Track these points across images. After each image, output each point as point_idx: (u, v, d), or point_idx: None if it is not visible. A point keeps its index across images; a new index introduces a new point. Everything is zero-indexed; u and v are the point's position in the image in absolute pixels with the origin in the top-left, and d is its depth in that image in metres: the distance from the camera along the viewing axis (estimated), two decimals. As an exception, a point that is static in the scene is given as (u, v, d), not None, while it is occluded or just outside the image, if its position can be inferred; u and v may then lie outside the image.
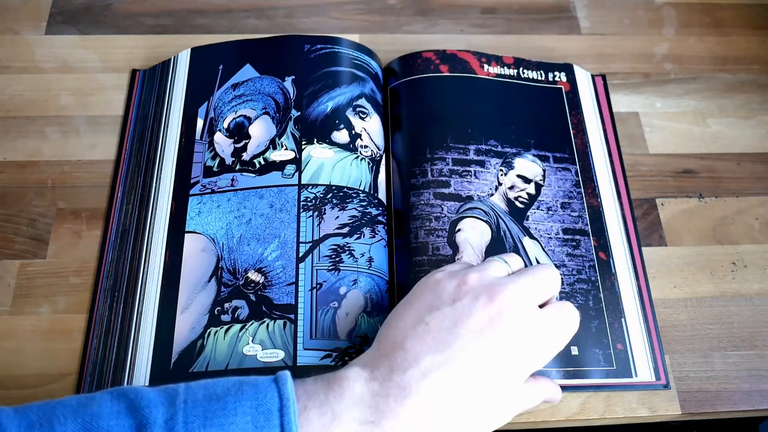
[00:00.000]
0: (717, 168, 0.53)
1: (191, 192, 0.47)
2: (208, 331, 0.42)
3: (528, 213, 0.48)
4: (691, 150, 0.54)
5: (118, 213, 0.48)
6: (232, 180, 0.47)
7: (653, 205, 0.51)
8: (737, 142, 0.55)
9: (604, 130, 0.54)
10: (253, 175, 0.47)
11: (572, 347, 0.43)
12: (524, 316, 0.35)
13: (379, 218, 0.47)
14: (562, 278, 0.41)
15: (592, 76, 0.56)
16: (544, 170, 0.50)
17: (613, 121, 0.54)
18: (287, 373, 0.32)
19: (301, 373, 0.36)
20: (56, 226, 0.48)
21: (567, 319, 0.37)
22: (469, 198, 0.48)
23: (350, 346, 0.41)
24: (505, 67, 0.54)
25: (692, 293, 0.48)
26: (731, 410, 0.44)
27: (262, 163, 0.48)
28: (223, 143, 0.49)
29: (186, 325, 0.42)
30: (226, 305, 0.43)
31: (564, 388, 0.43)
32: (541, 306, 0.37)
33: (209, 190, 0.47)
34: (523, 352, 0.34)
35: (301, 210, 0.46)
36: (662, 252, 0.49)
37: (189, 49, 0.54)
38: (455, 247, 0.46)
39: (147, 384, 0.41)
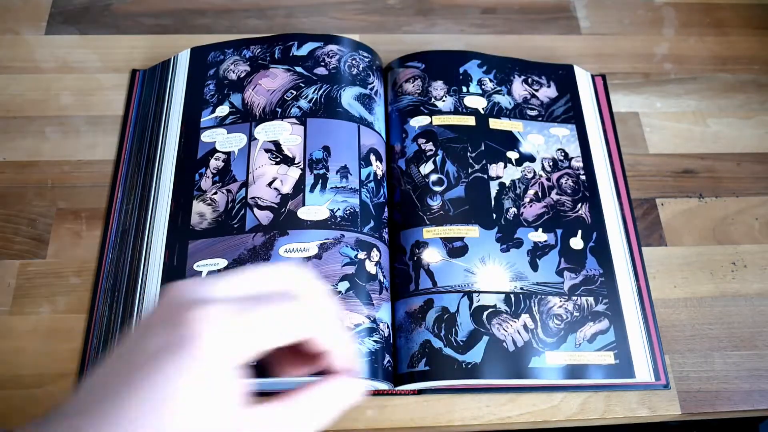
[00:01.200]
0: (717, 168, 0.53)
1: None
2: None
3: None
4: (691, 150, 0.54)
5: (118, 213, 0.48)
6: None
7: (653, 205, 0.51)
8: (737, 142, 0.55)
9: (604, 130, 0.54)
10: None
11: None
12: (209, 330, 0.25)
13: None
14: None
15: (592, 76, 0.56)
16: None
17: (613, 121, 0.54)
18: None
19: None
20: (56, 226, 0.48)
21: (279, 310, 0.27)
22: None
23: None
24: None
25: (692, 293, 0.48)
26: (731, 410, 0.44)
27: None
28: None
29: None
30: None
31: (564, 388, 0.43)
32: None
33: None
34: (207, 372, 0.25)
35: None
36: (662, 252, 0.49)
37: (189, 49, 0.54)
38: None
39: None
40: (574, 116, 0.53)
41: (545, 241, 0.47)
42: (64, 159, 0.51)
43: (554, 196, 0.49)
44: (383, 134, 0.51)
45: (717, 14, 0.62)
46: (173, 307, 0.27)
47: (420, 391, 0.44)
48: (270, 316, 0.26)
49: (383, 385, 0.42)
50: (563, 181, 0.49)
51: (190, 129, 0.50)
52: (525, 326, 0.44)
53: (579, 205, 0.49)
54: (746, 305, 0.47)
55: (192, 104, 0.51)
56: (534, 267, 0.46)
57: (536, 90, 0.54)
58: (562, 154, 0.51)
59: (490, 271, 0.45)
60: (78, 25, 0.58)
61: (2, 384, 0.42)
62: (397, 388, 0.43)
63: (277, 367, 0.30)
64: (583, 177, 0.50)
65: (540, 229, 0.47)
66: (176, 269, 0.44)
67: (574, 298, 0.45)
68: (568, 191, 0.49)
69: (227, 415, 0.26)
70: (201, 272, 0.44)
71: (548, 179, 0.50)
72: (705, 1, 0.63)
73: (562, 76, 0.55)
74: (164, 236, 0.46)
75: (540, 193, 0.49)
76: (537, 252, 0.47)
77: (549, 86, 0.54)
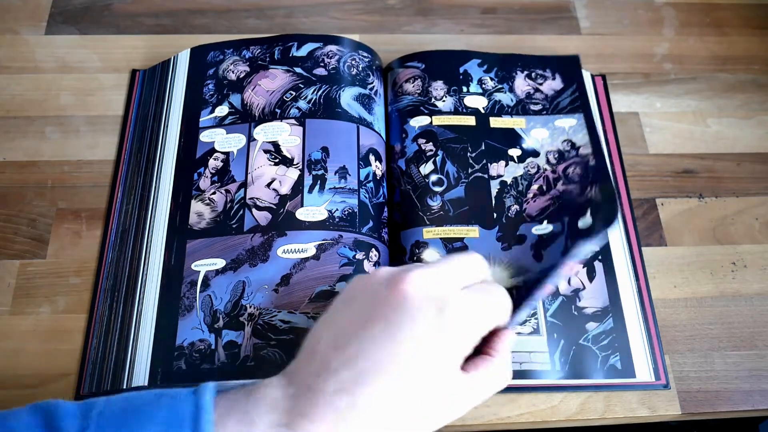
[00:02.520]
0: (717, 168, 0.53)
1: None
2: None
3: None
4: (691, 150, 0.54)
5: (118, 213, 0.48)
6: None
7: (653, 205, 0.51)
8: (737, 142, 0.55)
9: (604, 130, 0.54)
10: None
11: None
12: (435, 298, 0.31)
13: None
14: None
15: (592, 76, 0.56)
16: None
17: (613, 121, 0.54)
18: (210, 384, 0.31)
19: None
20: (56, 226, 0.48)
21: (490, 298, 0.34)
22: None
23: None
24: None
25: (692, 293, 0.48)
26: (731, 410, 0.44)
27: None
28: None
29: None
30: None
31: (564, 388, 0.43)
32: None
33: None
34: (440, 337, 0.31)
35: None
36: (662, 252, 0.49)
37: (189, 49, 0.54)
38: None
39: (146, 384, 0.41)
40: (581, 105, 0.52)
41: (551, 232, 0.47)
42: (64, 159, 0.51)
43: (560, 187, 0.48)
44: (383, 134, 0.51)
45: (717, 14, 0.62)
46: (386, 277, 0.33)
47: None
48: (482, 306, 0.33)
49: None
50: (570, 170, 0.49)
51: (190, 129, 0.50)
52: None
53: (589, 189, 0.48)
54: (746, 305, 0.47)
55: (192, 104, 0.51)
56: (538, 258, 0.46)
57: (540, 84, 0.53)
58: (569, 144, 0.50)
59: (491, 271, 0.45)
60: (78, 25, 0.58)
61: (2, 384, 0.42)
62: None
63: None
64: (592, 163, 0.48)
65: (545, 221, 0.47)
66: (174, 269, 0.45)
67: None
68: (576, 179, 0.48)
69: (451, 376, 0.32)
70: (199, 272, 0.44)
71: (554, 171, 0.49)
72: (705, 1, 0.63)
73: (568, 67, 0.54)
74: (164, 236, 0.46)
75: (545, 187, 0.49)
76: (542, 244, 0.46)
77: (554, 78, 0.54)
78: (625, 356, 0.43)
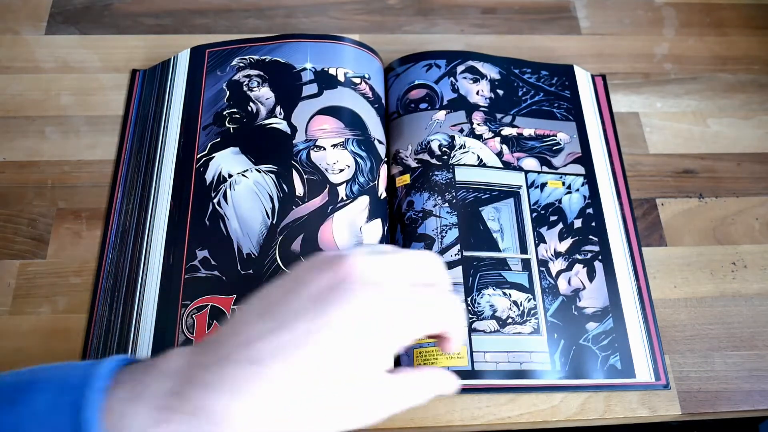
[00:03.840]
0: (717, 168, 0.53)
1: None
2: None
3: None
4: (691, 150, 0.54)
5: (118, 213, 0.48)
6: None
7: (653, 205, 0.51)
8: (737, 142, 0.55)
9: (604, 130, 0.54)
10: None
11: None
12: (375, 289, 0.29)
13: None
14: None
15: (592, 76, 0.56)
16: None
17: (613, 121, 0.54)
18: (119, 356, 0.29)
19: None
20: (56, 226, 0.48)
21: (439, 300, 0.31)
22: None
23: None
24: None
25: (692, 293, 0.48)
26: (731, 410, 0.44)
27: None
28: None
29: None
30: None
31: (564, 388, 0.43)
32: None
33: None
34: (372, 324, 0.28)
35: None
36: (662, 252, 0.49)
37: (189, 49, 0.54)
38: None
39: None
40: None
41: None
42: (64, 159, 0.51)
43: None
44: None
45: (717, 14, 0.62)
46: (329, 257, 0.30)
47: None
48: (423, 306, 0.30)
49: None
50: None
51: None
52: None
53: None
54: (746, 305, 0.47)
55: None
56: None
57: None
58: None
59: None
60: (78, 25, 0.58)
61: (2, 384, 0.42)
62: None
63: None
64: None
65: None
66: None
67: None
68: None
69: (374, 372, 0.29)
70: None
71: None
72: (705, 1, 0.63)
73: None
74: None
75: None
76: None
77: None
78: (625, 356, 0.43)
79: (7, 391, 0.27)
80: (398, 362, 0.44)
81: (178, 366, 0.28)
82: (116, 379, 0.27)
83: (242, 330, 0.28)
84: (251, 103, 0.50)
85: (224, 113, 0.50)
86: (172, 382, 0.27)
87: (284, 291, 0.30)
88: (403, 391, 0.30)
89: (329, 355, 0.28)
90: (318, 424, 0.28)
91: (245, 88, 0.51)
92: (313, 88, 0.50)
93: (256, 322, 0.28)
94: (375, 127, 0.50)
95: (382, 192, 0.48)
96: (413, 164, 0.49)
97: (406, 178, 0.48)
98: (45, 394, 0.27)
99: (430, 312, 0.31)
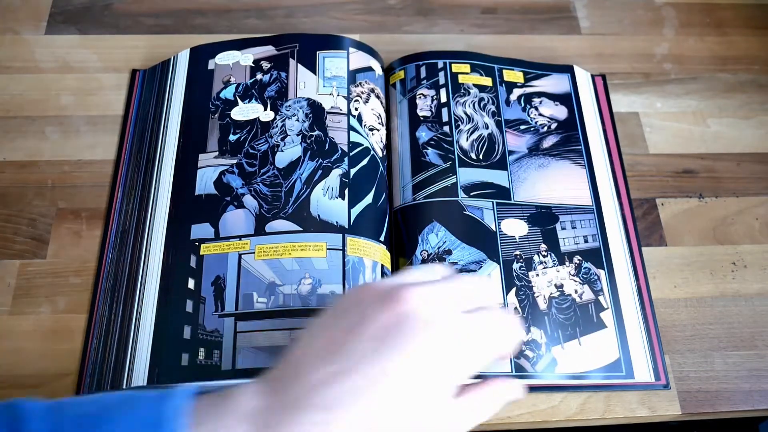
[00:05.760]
0: (717, 168, 0.53)
1: None
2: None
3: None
4: (691, 150, 0.54)
5: (118, 213, 0.48)
6: None
7: (653, 205, 0.51)
8: (737, 142, 0.55)
9: (604, 130, 0.54)
10: None
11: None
12: (436, 321, 0.30)
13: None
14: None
15: (592, 76, 0.56)
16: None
17: (613, 121, 0.54)
18: (187, 388, 0.30)
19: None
20: (56, 226, 0.48)
21: (494, 325, 0.32)
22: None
23: None
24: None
25: (692, 293, 0.48)
26: (731, 410, 0.44)
27: None
28: None
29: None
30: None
31: (564, 388, 0.43)
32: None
33: None
34: (437, 361, 0.30)
35: None
36: (662, 252, 0.49)
37: (189, 49, 0.54)
38: None
39: (145, 384, 0.41)
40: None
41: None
42: (64, 159, 0.51)
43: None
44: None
45: (717, 14, 0.62)
46: (383, 291, 0.31)
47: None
48: (480, 337, 0.32)
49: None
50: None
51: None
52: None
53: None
54: (746, 305, 0.47)
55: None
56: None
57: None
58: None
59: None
60: (78, 25, 0.58)
61: (2, 384, 0.42)
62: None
63: None
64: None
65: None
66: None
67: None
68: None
69: (442, 402, 0.30)
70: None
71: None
72: (705, 1, 0.63)
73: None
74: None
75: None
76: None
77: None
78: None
79: (82, 422, 0.28)
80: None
81: (254, 409, 0.29)
82: (197, 421, 0.29)
83: (306, 371, 0.30)
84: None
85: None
86: (249, 426, 0.28)
87: (343, 330, 0.30)
88: (472, 412, 0.32)
89: (395, 398, 0.29)
90: None
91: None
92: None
93: (320, 364, 0.30)
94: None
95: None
96: None
97: None
98: (125, 430, 0.28)
99: (487, 340, 0.32)
